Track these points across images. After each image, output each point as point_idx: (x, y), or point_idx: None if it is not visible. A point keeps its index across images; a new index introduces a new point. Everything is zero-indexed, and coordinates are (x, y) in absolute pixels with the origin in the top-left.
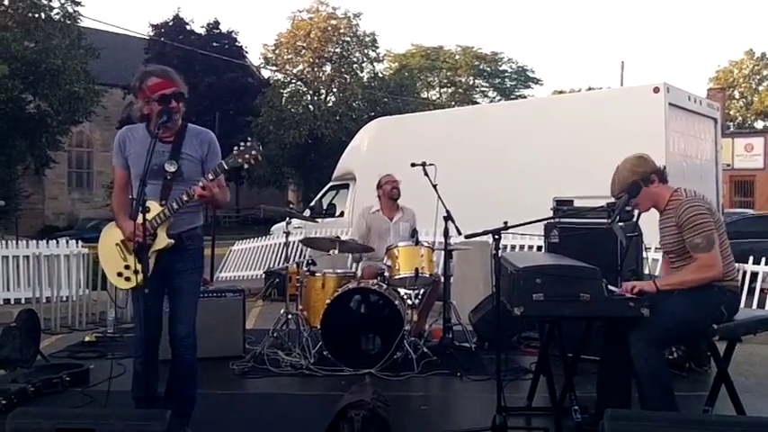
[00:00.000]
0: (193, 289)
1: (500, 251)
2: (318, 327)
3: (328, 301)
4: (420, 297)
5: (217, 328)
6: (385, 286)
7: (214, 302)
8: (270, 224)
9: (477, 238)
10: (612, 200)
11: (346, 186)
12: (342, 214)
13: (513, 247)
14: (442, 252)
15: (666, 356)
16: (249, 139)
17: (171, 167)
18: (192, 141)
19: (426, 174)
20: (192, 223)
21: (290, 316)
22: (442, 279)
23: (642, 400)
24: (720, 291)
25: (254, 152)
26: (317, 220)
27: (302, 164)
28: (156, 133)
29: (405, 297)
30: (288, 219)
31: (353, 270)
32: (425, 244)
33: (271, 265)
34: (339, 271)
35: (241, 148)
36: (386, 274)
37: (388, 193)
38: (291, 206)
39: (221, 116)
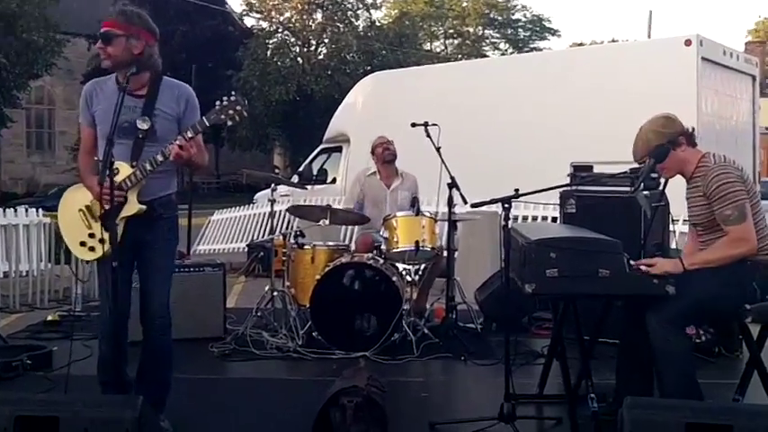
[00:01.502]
0: (167, 263)
1: (510, 222)
2: (307, 305)
3: (318, 277)
4: (420, 273)
5: (195, 306)
6: (381, 261)
7: (191, 278)
8: (253, 191)
9: (485, 208)
10: (636, 165)
11: (339, 150)
12: (334, 180)
13: (524, 219)
14: (446, 223)
15: (694, 340)
16: (233, 93)
17: (143, 125)
18: (167, 96)
19: (429, 135)
20: (166, 189)
21: (275, 293)
22: (446, 253)
23: (660, 385)
24: (753, 266)
25: (238, 107)
26: (307, 186)
27: (290, 124)
28: (123, 85)
29: (403, 273)
30: (273, 185)
31: (346, 243)
32: (427, 214)
33: (254, 237)
34: (330, 243)
35: (224, 103)
36: (383, 247)
37: (381, 156)
38: (277, 171)
39: (198, 69)
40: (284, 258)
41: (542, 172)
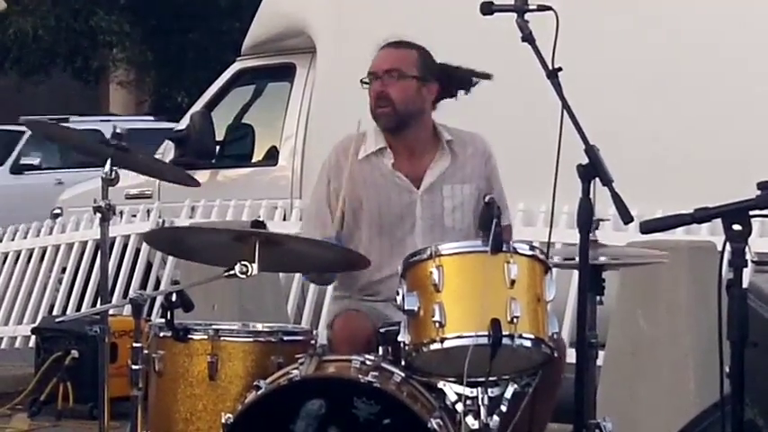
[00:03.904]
0: None
1: (748, 272)
2: None
3: (227, 420)
4: (507, 407)
5: None
6: (399, 375)
7: None
8: (51, 192)
9: (679, 235)
10: None
11: (286, 73)
12: (273, 155)
13: None
14: (573, 274)
15: None
16: None
17: None
18: None
19: (529, 39)
20: None
21: None
22: (572, 355)
23: None
24: None
25: None
26: (195, 172)
27: (152, 7)
28: None
29: (459, 408)
30: (109, 169)
31: (305, 326)
32: (524, 249)
33: (55, 310)
34: (263, 327)
35: None
36: (403, 337)
37: (374, 110)
38: (119, 132)
39: None
40: (137, 368)
41: None
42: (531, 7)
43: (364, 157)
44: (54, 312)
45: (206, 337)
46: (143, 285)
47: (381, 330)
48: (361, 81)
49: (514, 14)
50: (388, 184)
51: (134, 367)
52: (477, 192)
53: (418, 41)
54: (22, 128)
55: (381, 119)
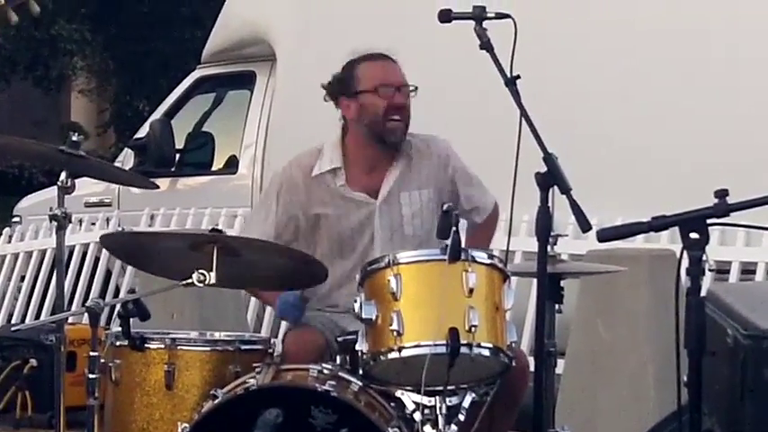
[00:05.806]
0: None
1: (707, 279)
2: None
3: (184, 428)
4: (463, 416)
5: None
6: (357, 384)
7: None
8: (13, 195)
9: (638, 243)
10: None
11: (246, 80)
12: (233, 163)
13: (746, 273)
14: (532, 282)
15: None
16: None
17: None
18: None
19: (487, 47)
20: None
21: None
22: (531, 363)
23: None
24: None
25: None
26: (156, 182)
27: (113, 16)
28: None
29: (417, 417)
30: (65, 176)
31: (263, 334)
32: (482, 257)
33: (12, 318)
34: (220, 336)
35: None
36: (360, 345)
37: (389, 125)
38: (76, 139)
39: None
40: (93, 377)
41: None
42: (489, 15)
43: (318, 175)
44: (13, 321)
45: (163, 346)
46: (102, 294)
47: (339, 339)
48: (375, 89)
49: (473, 22)
50: (345, 203)
51: (90, 376)
52: (436, 196)
53: (378, 50)
54: None
55: (397, 132)
